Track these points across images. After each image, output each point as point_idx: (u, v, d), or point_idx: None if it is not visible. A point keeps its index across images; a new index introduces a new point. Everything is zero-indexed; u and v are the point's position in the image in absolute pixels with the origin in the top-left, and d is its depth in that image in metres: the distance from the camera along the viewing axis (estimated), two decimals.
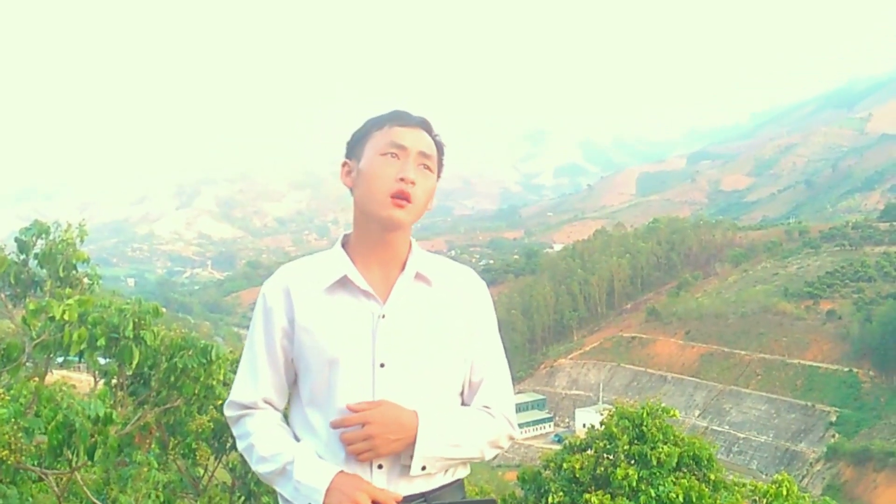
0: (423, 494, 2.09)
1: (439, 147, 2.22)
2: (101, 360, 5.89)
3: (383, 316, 2.09)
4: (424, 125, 2.20)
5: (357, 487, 1.99)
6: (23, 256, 5.57)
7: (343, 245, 2.22)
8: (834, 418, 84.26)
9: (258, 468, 2.15)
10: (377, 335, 2.08)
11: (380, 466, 2.06)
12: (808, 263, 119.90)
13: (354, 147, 2.21)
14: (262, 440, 2.15)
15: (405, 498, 2.05)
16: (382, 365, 2.07)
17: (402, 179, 2.08)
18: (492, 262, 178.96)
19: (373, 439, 2.01)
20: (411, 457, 2.04)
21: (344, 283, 2.13)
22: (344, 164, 2.22)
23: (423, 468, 2.05)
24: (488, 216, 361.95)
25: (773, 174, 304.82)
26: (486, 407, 2.19)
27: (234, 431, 2.24)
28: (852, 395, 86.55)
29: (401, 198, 2.08)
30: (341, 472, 2.03)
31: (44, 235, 5.57)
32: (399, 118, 2.18)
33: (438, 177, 2.24)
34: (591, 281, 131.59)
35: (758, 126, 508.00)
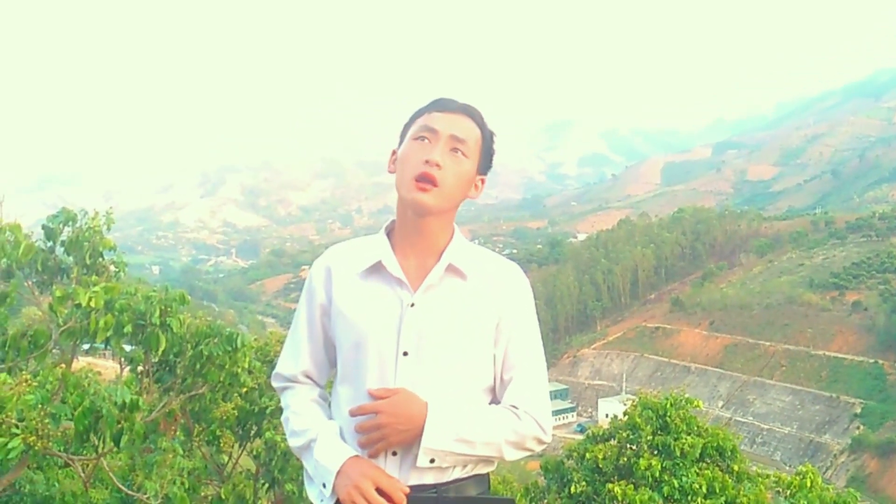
0: (434, 486, 2.07)
1: (485, 134, 2.19)
2: (127, 348, 5.93)
3: (412, 304, 2.09)
4: (467, 111, 2.17)
5: (363, 474, 1.99)
6: (50, 243, 5.60)
7: (388, 231, 2.22)
8: (859, 410, 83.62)
9: (290, 441, 2.21)
10: (403, 323, 2.08)
11: (394, 453, 2.06)
12: (833, 254, 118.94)
13: (402, 135, 2.21)
14: (296, 415, 2.20)
15: (415, 488, 2.03)
16: (406, 353, 2.07)
17: (426, 162, 2.06)
18: (515, 251, 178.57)
19: (383, 429, 2.01)
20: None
21: (378, 268, 2.13)
22: (392, 153, 2.22)
23: (433, 461, 2.03)
24: (512, 206, 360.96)
25: (799, 164, 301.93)
26: (514, 406, 2.14)
27: (281, 403, 2.31)
28: (877, 387, 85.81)
29: (424, 180, 2.06)
30: (354, 456, 2.04)
31: (70, 223, 5.59)
32: (439, 104, 2.17)
33: (485, 167, 2.21)
34: (615, 271, 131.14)
35: (784, 116, 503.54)
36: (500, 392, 2.19)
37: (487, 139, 2.20)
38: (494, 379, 2.19)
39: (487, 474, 2.19)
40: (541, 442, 2.16)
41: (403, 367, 2.07)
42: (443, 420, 2.02)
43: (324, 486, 2.05)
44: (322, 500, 2.06)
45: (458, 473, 2.09)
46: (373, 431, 2.02)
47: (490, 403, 2.19)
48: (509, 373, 2.17)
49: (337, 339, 2.18)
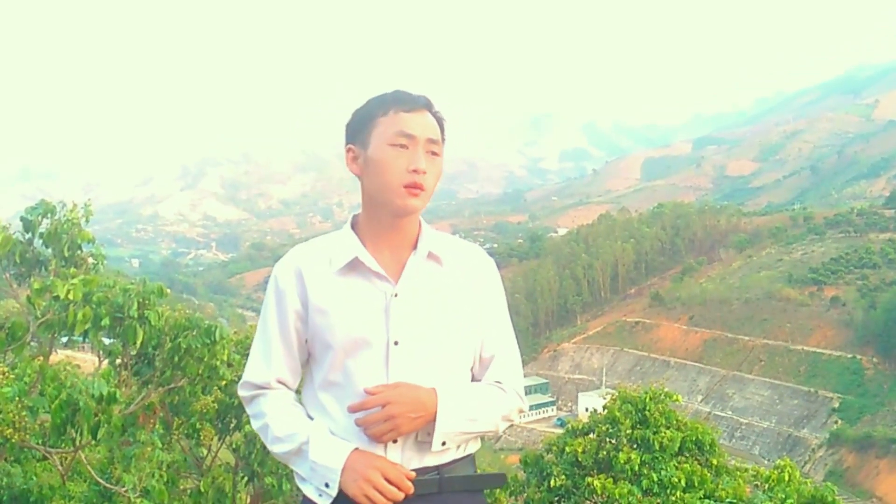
0: (436, 468, 2.11)
1: (441, 124, 2.20)
2: (106, 340, 5.90)
3: (396, 295, 2.11)
4: (429, 106, 2.18)
5: (370, 465, 2.02)
6: (28, 235, 5.55)
7: (353, 226, 2.22)
8: (837, 405, 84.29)
9: (274, 448, 2.17)
10: (390, 313, 2.10)
11: (394, 441, 2.08)
12: (812, 250, 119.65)
13: (358, 132, 2.18)
14: (277, 420, 2.16)
15: (418, 471, 2.08)
16: (396, 343, 2.09)
17: (415, 171, 2.08)
18: (496, 245, 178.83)
19: (394, 419, 2.02)
20: (429, 433, 2.07)
21: (355, 265, 2.13)
22: (349, 150, 2.20)
23: (444, 444, 2.09)
24: (493, 200, 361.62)
25: (778, 160, 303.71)
26: (498, 382, 2.22)
27: (249, 411, 2.26)
28: (855, 382, 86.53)
29: (415, 188, 2.09)
30: (356, 449, 2.06)
31: (49, 215, 5.55)
32: (403, 102, 2.15)
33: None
34: (596, 265, 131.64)
35: (763, 112, 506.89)
36: (479, 370, 2.26)
37: (443, 128, 2.22)
38: (474, 358, 2.24)
39: (474, 455, 2.25)
40: (521, 412, 2.30)
41: (396, 357, 2.09)
42: (453, 404, 2.08)
43: (326, 485, 2.05)
44: (322, 496, 2.07)
45: (454, 454, 2.15)
46: (381, 423, 2.03)
47: (473, 381, 2.26)
48: (489, 351, 2.24)
49: (318, 341, 2.16)
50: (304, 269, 2.17)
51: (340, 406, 2.12)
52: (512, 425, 2.32)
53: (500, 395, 2.20)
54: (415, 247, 2.18)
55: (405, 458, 2.09)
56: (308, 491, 2.11)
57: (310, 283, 2.15)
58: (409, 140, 2.10)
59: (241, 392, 2.27)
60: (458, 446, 2.16)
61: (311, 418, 2.17)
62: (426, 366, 2.10)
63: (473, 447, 2.22)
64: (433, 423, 2.06)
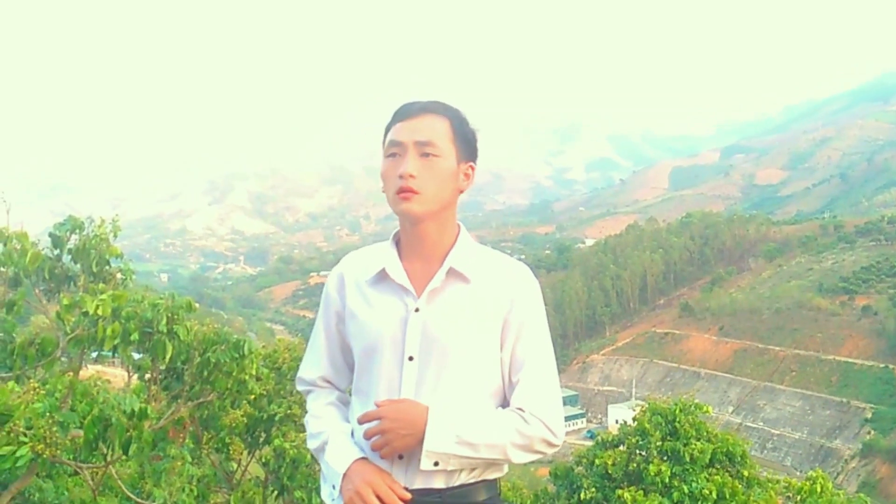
0: (439, 491, 2.08)
1: (454, 123, 2.17)
2: (135, 355, 5.93)
3: (417, 310, 2.11)
4: (428, 109, 2.17)
5: (364, 479, 2.04)
6: (57, 251, 5.61)
7: (395, 239, 2.25)
8: (869, 415, 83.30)
9: (308, 443, 2.29)
10: (407, 328, 2.10)
11: (400, 457, 2.08)
12: (843, 258, 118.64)
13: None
14: (313, 418, 2.28)
15: (422, 492, 2.06)
16: (411, 358, 2.09)
17: (400, 177, 2.09)
18: (523, 257, 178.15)
19: (386, 434, 2.03)
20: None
21: (384, 276, 2.16)
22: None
23: (436, 464, 2.04)
24: (520, 211, 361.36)
25: (807, 168, 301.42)
26: (520, 409, 2.11)
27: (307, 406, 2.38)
28: (888, 392, 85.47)
29: (403, 192, 2.09)
30: (361, 459, 2.09)
31: (77, 231, 5.60)
32: (400, 113, 2.18)
33: (467, 153, 2.20)
34: (624, 276, 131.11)
35: (791, 119, 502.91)
36: (508, 395, 2.18)
37: (459, 126, 2.18)
38: (503, 381, 2.18)
39: (496, 480, 2.18)
40: (550, 444, 2.12)
41: (409, 372, 2.09)
42: (443, 423, 2.03)
43: (333, 486, 2.10)
44: (332, 500, 2.11)
45: (465, 478, 2.10)
46: (376, 438, 2.05)
47: (499, 407, 2.17)
48: (516, 374, 2.16)
49: (352, 347, 2.23)
50: (346, 275, 2.26)
51: (361, 409, 2.15)
52: (543, 457, 2.21)
53: (513, 421, 2.09)
54: (444, 261, 2.16)
55: (409, 477, 2.08)
56: (324, 492, 2.16)
57: (348, 289, 2.22)
58: (398, 147, 2.12)
59: (298, 386, 2.41)
60: (472, 470, 2.11)
61: (348, 420, 2.24)
62: (438, 384, 2.08)
63: (491, 474, 2.16)
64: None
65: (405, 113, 2.17)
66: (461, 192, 2.20)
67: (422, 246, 2.17)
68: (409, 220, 2.13)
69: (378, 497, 2.01)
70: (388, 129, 2.18)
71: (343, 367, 2.31)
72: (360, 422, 2.09)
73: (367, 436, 2.07)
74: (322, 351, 2.31)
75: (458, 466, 2.07)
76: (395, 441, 2.04)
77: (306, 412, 2.34)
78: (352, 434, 2.18)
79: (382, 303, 2.15)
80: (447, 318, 2.11)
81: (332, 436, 2.18)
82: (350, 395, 2.31)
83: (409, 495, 2.04)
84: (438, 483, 2.08)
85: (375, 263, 2.19)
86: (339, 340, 2.28)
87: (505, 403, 2.18)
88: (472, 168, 2.21)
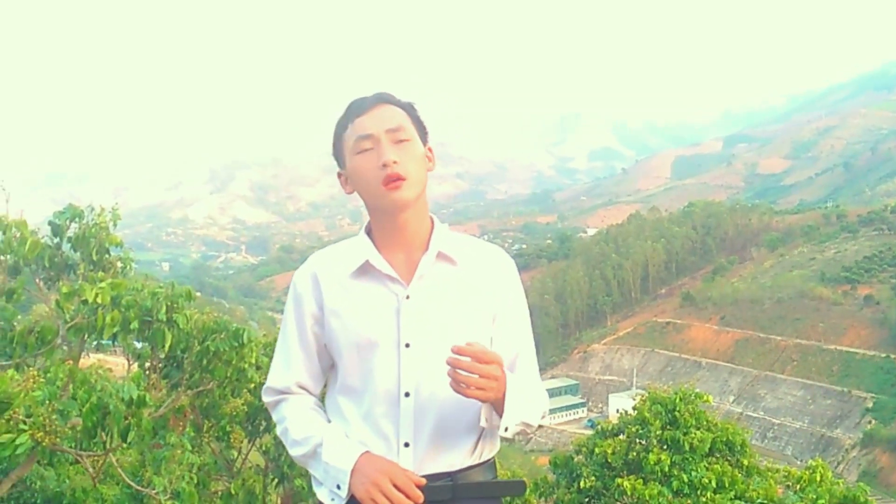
0: (449, 474, 2.09)
1: (406, 109, 2.19)
2: (137, 344, 5.95)
3: (407, 297, 2.10)
4: (380, 99, 2.17)
5: (378, 469, 2.00)
6: (56, 240, 5.61)
7: (368, 231, 2.23)
8: (870, 404, 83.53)
9: (293, 452, 2.20)
10: (401, 315, 2.09)
11: (406, 444, 2.08)
12: (845, 248, 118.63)
13: (338, 156, 2.21)
14: (295, 424, 2.19)
15: (431, 477, 2.06)
16: (408, 345, 2.09)
17: (384, 165, 2.07)
18: (525, 246, 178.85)
19: (493, 381, 1.96)
20: (479, 421, 2.07)
21: (367, 268, 2.14)
22: (339, 175, 2.23)
23: (506, 429, 2.05)
24: (521, 200, 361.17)
25: (810, 157, 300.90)
26: None
27: (273, 417, 2.29)
28: (889, 381, 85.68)
29: (393, 180, 2.07)
30: (366, 452, 2.05)
31: (77, 219, 5.60)
32: (355, 108, 2.16)
33: (424, 137, 2.21)
34: (626, 266, 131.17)
35: (794, 109, 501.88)
36: None
37: (412, 110, 2.20)
38: None
39: (494, 459, 2.22)
40: (542, 417, 2.20)
41: (407, 359, 2.09)
42: (518, 389, 2.03)
43: (338, 487, 2.05)
44: (334, 500, 2.08)
45: (470, 460, 2.12)
46: (479, 379, 1.95)
47: None
48: (512, 352, 2.20)
49: (334, 344, 2.17)
50: (319, 274, 2.19)
51: (357, 410, 2.13)
52: (540, 427, 2.26)
53: (540, 393, 2.18)
54: (427, 247, 2.16)
55: (417, 463, 2.07)
56: (322, 495, 2.12)
57: (325, 287, 2.17)
58: (370, 140, 2.10)
59: (265, 398, 2.31)
60: (473, 451, 2.13)
61: (331, 422, 2.18)
62: (439, 367, 2.03)
63: (489, 453, 2.19)
64: (501, 402, 2.02)
65: (360, 108, 2.15)
66: (429, 172, 2.20)
67: (402, 235, 2.15)
68: (399, 208, 2.11)
69: (395, 485, 1.98)
70: (342, 129, 2.17)
71: (318, 372, 2.26)
72: (457, 353, 1.96)
73: (462, 371, 1.95)
74: (295, 355, 2.23)
75: (515, 433, 2.09)
76: (491, 393, 1.97)
77: (278, 422, 2.25)
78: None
79: (370, 295, 2.13)
80: (440, 301, 2.12)
81: (326, 436, 2.11)
82: (325, 399, 2.27)
83: (423, 481, 2.02)
84: (445, 467, 2.09)
85: (354, 257, 2.16)
86: (315, 344, 2.22)
87: None
88: (431, 150, 2.23)
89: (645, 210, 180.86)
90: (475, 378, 1.94)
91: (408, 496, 1.98)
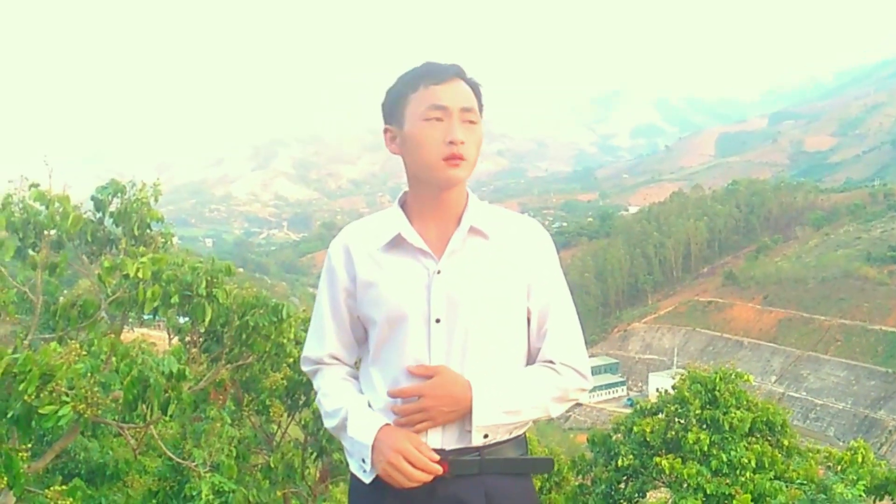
0: (477, 449, 2.07)
1: (476, 90, 2.17)
2: (179, 319, 6.02)
3: (439, 272, 2.08)
4: (460, 74, 2.14)
5: (393, 446, 2.00)
6: (99, 215, 5.67)
7: (401, 203, 2.21)
8: None
9: (326, 423, 2.21)
10: (432, 290, 2.07)
11: None
12: (892, 227, 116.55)
13: (393, 112, 2.17)
14: (327, 396, 2.20)
15: (459, 451, 2.05)
16: (438, 320, 2.07)
17: (451, 143, 2.05)
18: (565, 224, 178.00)
19: (428, 412, 2.02)
20: (469, 424, 2.05)
21: (399, 241, 2.12)
22: (386, 131, 2.19)
23: (486, 436, 2.05)
24: (562, 178, 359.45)
25: (858, 134, 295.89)
26: (550, 362, 2.15)
27: (314, 385, 2.31)
28: None
29: (454, 158, 2.05)
30: (386, 425, 2.05)
31: (119, 194, 5.66)
32: (432, 75, 2.12)
33: (481, 116, 2.18)
34: (667, 244, 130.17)
35: (842, 85, 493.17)
36: (536, 343, 2.19)
37: (479, 93, 2.18)
38: (529, 335, 2.19)
39: (524, 436, 2.20)
40: (582, 389, 2.18)
41: (437, 334, 2.07)
42: (488, 396, 2.03)
43: (363, 460, 2.05)
44: (364, 473, 2.07)
45: (501, 436, 2.10)
46: (414, 414, 2.03)
47: (526, 360, 2.19)
48: (542, 327, 2.17)
49: (366, 318, 2.17)
50: (351, 247, 2.18)
51: (385, 382, 2.11)
52: (578, 404, 2.22)
53: (550, 377, 2.13)
54: (459, 221, 2.14)
55: (446, 438, 2.06)
56: (354, 467, 2.12)
57: (357, 260, 2.16)
58: (443, 112, 2.07)
59: (303, 367, 2.34)
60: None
61: (363, 393, 2.18)
62: (469, 343, 2.05)
63: (520, 429, 2.16)
64: (470, 414, 2.03)
65: (442, 75, 2.12)
66: None
67: (440, 210, 2.15)
68: (450, 185, 2.11)
69: (410, 462, 1.98)
70: (409, 89, 2.13)
71: (351, 343, 2.26)
72: (394, 396, 2.07)
73: (405, 413, 2.03)
74: (328, 327, 2.24)
75: (506, 433, 2.09)
76: (438, 418, 2.02)
77: (317, 392, 2.28)
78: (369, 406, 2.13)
79: (401, 268, 2.11)
80: (471, 276, 2.09)
81: (352, 409, 2.11)
82: (359, 369, 2.28)
83: (437, 457, 2.01)
84: (475, 442, 2.07)
85: (386, 230, 2.15)
86: (348, 316, 2.22)
87: (532, 352, 2.19)
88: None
89: (688, 188, 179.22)
90: (417, 416, 2.02)
91: (425, 472, 1.98)
